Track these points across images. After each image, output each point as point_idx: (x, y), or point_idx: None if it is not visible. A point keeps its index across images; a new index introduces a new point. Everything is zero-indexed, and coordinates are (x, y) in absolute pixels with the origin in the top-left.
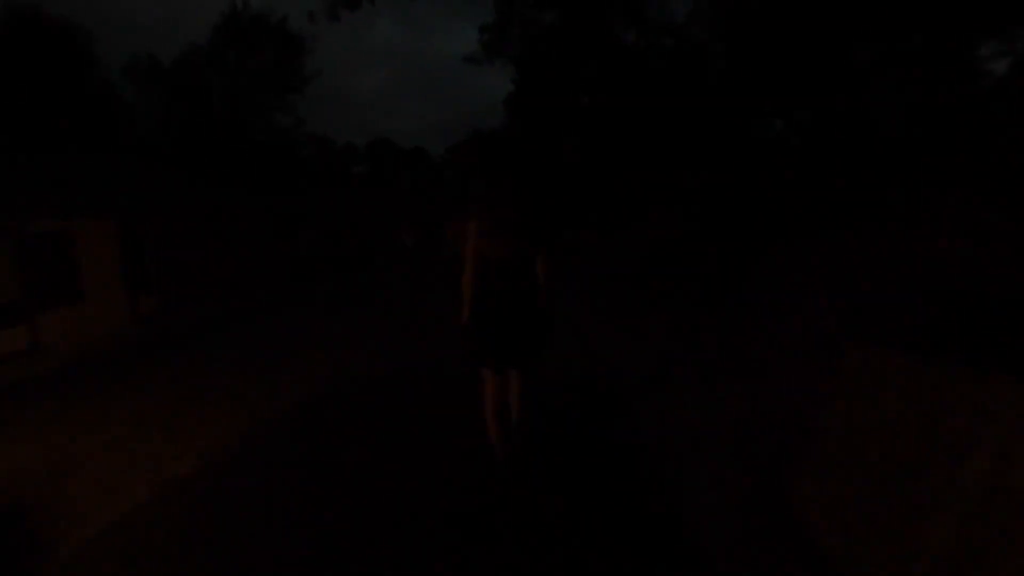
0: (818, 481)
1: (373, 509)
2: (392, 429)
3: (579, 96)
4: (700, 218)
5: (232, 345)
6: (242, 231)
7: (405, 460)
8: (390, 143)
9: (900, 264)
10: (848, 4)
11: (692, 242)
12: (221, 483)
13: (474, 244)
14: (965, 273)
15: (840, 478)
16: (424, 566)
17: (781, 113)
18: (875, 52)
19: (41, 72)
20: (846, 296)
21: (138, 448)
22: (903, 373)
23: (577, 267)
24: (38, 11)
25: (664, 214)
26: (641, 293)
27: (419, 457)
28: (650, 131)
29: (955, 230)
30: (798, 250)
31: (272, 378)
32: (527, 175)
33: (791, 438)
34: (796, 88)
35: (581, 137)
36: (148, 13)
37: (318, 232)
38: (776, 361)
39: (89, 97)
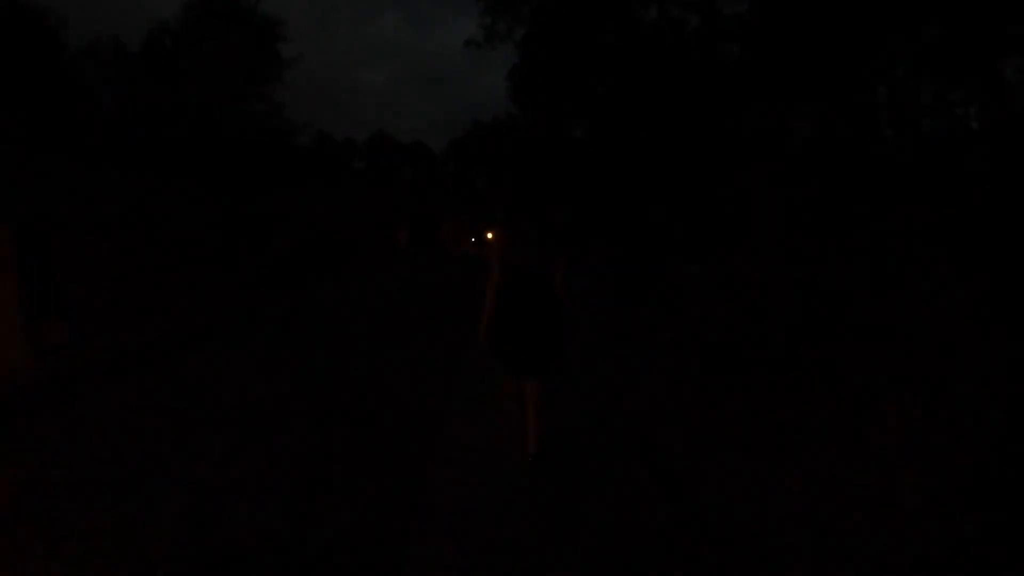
0: None
1: None
2: None
3: (588, 78)
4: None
5: (120, 410)
6: (201, 235)
7: None
8: (389, 138)
9: None
10: None
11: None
12: None
13: (497, 254)
14: None
15: None
16: None
17: (824, 97)
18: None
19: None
20: None
21: None
22: None
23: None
24: None
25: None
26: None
27: None
28: (668, 118)
29: None
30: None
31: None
32: (532, 168)
33: None
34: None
35: (590, 123)
36: None
37: (301, 231)
38: None
39: (49, 82)
